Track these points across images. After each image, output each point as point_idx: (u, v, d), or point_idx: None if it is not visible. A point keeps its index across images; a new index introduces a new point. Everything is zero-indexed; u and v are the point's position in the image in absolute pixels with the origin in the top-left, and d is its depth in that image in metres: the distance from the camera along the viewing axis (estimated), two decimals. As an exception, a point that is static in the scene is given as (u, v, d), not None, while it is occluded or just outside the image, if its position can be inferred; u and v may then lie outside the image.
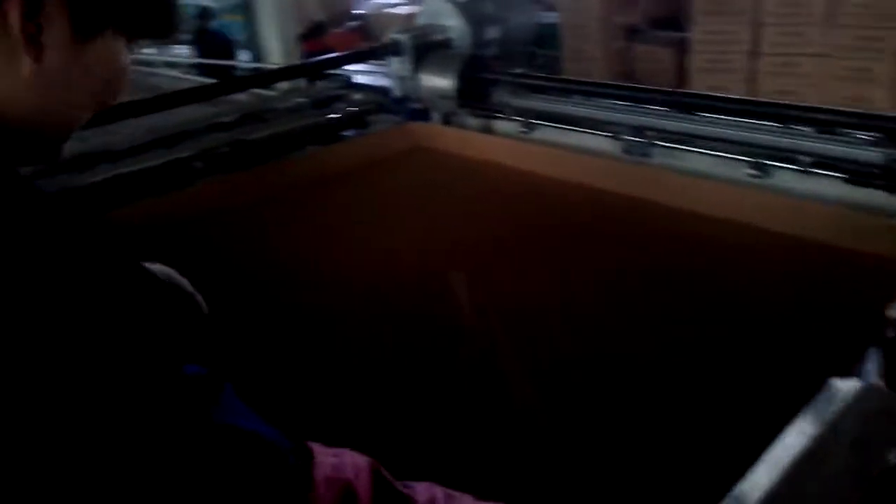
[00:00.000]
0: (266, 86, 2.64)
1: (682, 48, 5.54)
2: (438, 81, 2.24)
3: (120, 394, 0.47)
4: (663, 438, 1.05)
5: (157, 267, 1.04)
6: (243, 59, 5.84)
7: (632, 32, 5.96)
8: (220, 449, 0.53)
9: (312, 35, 7.08)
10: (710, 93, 1.92)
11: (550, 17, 6.37)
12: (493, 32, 2.41)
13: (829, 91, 4.68)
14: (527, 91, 2.15)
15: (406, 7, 7.11)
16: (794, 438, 0.78)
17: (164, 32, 0.68)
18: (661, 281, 1.48)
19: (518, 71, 2.21)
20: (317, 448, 0.62)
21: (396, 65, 2.36)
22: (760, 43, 5.02)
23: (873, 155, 1.47)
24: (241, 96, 2.69)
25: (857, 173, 1.49)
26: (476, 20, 2.36)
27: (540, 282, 1.51)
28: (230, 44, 6.20)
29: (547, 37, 6.33)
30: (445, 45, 2.35)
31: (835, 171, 1.53)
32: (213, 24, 6.75)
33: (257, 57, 3.70)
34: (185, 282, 1.04)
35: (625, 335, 1.30)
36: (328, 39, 6.53)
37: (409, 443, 1.05)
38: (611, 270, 1.53)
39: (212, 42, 6.20)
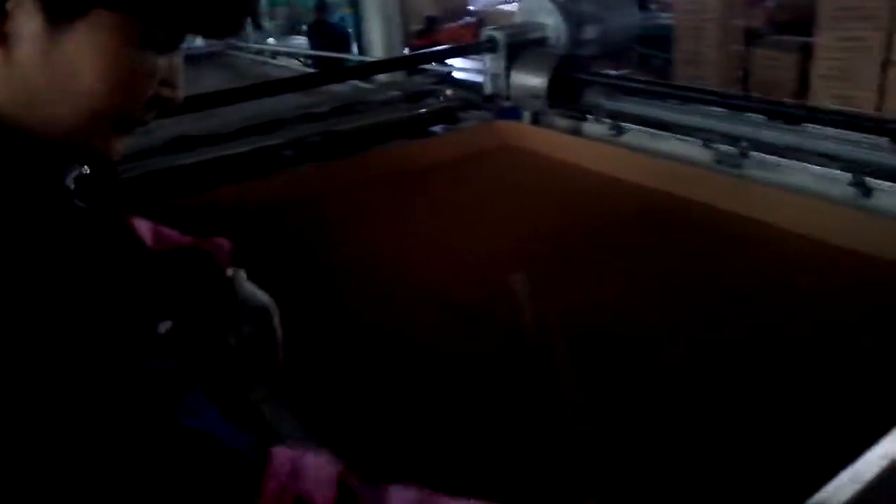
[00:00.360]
0: (363, 78, 2.70)
1: (805, 54, 5.22)
2: (530, 80, 2.21)
3: (72, 388, 0.47)
4: (726, 458, 1.00)
5: (261, 295, 1.05)
6: (355, 51, 5.98)
7: (752, 36, 5.68)
8: (165, 450, 0.51)
9: (425, 31, 7.19)
10: (812, 104, 1.80)
11: (668, 19, 6.17)
12: (591, 32, 2.36)
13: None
14: (620, 93, 2.09)
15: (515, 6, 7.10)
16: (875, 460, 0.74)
17: (200, 22, 0.59)
18: (743, 299, 1.40)
19: (612, 72, 2.16)
20: (278, 452, 0.58)
21: (490, 62, 2.35)
22: (894, 51, 4.67)
23: None
24: (342, 88, 2.76)
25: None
26: (574, 19, 2.31)
27: (614, 289, 1.46)
28: (347, 36, 6.35)
29: (663, 38, 6.14)
30: (541, 43, 2.32)
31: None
32: (332, 16, 6.97)
33: (361, 50, 3.78)
34: (272, 312, 1.03)
35: (697, 352, 1.24)
36: (441, 35, 6.60)
37: (458, 439, 1.05)
38: (690, 284, 1.46)
39: (328, 34, 6.38)
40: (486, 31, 2.33)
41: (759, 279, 1.46)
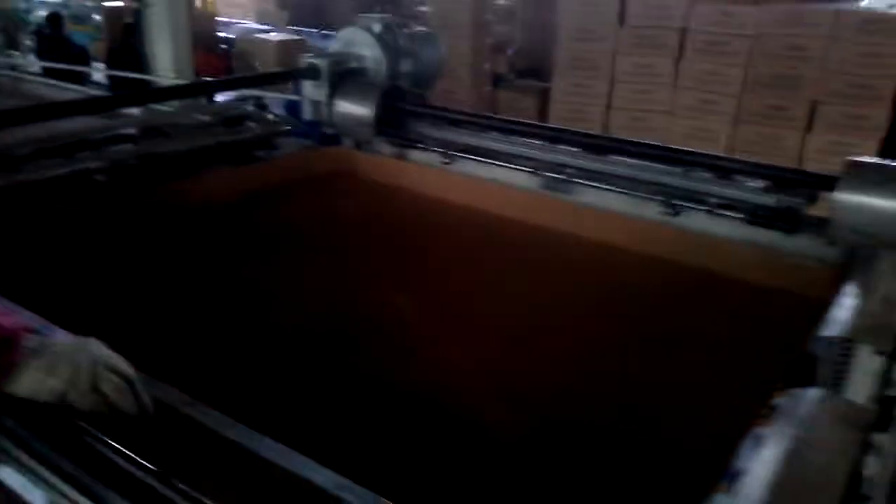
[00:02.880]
0: (161, 101, 2.52)
1: (544, 97, 5.92)
2: (356, 109, 2.25)
3: None
4: (619, 458, 1.13)
5: None
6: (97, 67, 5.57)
7: (497, 79, 6.30)
8: None
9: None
10: (621, 137, 2.09)
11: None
12: (406, 65, 2.47)
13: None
14: (444, 123, 2.22)
15: (276, 35, 7.01)
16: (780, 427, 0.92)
17: None
18: (581, 307, 1.59)
19: (436, 105, 2.28)
20: None
21: (310, 89, 2.34)
22: (614, 98, 5.49)
23: (769, 199, 1.68)
24: (132, 109, 2.54)
25: (757, 215, 1.69)
26: (392, 52, 2.40)
27: (445, 305, 1.57)
28: (85, 52, 5.87)
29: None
30: (361, 73, 2.38)
31: (737, 213, 1.72)
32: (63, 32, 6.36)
33: (144, 69, 3.49)
34: None
35: (545, 352, 1.40)
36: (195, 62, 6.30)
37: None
38: (526, 297, 1.62)
39: (63, 49, 5.79)
40: (307, 59, 2.33)
41: (593, 287, 1.67)
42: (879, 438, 0.95)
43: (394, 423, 1.15)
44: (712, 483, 0.93)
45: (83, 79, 5.05)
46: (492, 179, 2.08)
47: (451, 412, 1.20)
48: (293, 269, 1.69)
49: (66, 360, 0.90)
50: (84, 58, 5.68)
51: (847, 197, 1.52)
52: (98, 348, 0.93)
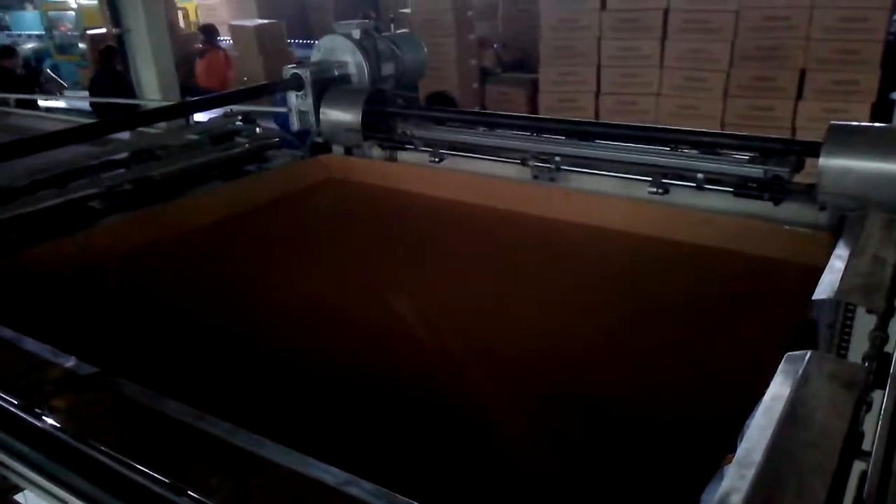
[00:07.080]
0: (149, 124, 2.54)
1: (533, 88, 5.93)
2: (343, 115, 2.27)
3: None
4: (624, 434, 1.15)
5: None
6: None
7: (486, 74, 6.32)
8: None
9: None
10: (605, 121, 2.10)
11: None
12: (388, 68, 2.49)
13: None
14: (431, 123, 2.24)
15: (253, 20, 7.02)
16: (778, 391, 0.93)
17: None
18: (581, 291, 1.60)
19: (421, 105, 2.29)
20: None
21: (295, 99, 2.36)
22: (602, 84, 5.50)
23: (756, 171, 1.70)
24: (121, 134, 2.57)
25: (744, 187, 1.70)
26: (373, 56, 2.42)
27: (460, 297, 1.59)
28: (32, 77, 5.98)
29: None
30: (345, 80, 2.39)
31: (724, 186, 1.73)
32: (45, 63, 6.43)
33: (127, 93, 3.54)
34: None
35: (554, 335, 1.42)
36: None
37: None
38: (534, 286, 1.64)
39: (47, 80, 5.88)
40: (289, 70, 2.35)
41: (589, 269, 1.70)
42: (876, 396, 0.97)
43: (408, 423, 1.17)
44: (721, 453, 0.95)
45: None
46: (482, 174, 2.09)
47: (467, 406, 1.21)
48: (293, 279, 1.70)
49: None
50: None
51: (831, 161, 1.53)
52: None
